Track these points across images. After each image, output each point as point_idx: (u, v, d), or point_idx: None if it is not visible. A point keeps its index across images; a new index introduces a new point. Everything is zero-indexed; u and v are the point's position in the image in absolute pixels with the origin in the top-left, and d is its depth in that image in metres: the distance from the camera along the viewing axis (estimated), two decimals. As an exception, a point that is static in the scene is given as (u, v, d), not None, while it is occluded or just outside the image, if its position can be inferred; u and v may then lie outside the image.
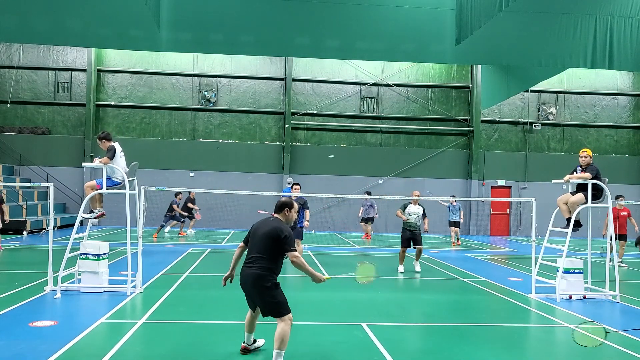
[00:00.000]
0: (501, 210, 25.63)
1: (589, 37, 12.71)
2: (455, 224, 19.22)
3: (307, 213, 12.08)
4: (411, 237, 11.92)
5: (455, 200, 18.38)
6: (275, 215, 5.46)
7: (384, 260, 14.55)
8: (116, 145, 8.76)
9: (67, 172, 23.03)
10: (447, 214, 19.59)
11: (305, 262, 5.23)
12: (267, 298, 5.14)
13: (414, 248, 12.05)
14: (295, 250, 5.15)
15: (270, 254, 5.16)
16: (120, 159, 8.78)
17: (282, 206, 5.47)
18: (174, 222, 19.61)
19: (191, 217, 19.78)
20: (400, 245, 12.14)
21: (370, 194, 20.29)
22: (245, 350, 5.72)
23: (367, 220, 20.92)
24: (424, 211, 12.11)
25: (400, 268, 11.97)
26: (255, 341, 5.80)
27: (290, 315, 5.17)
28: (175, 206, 19.06)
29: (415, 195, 12.07)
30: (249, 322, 5.63)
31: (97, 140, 9.00)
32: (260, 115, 24.39)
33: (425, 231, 12.65)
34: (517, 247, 19.52)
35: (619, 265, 13.74)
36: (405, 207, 11.99)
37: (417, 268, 12.15)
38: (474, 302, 9.17)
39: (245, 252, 5.45)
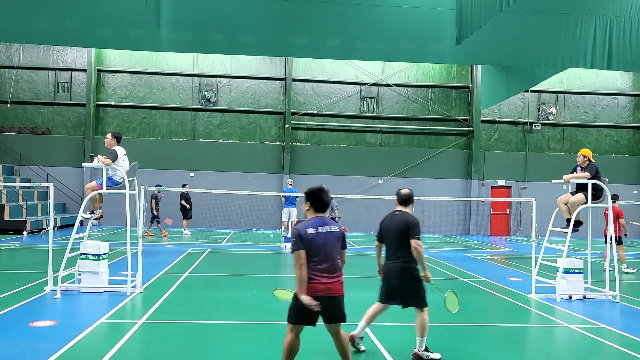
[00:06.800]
0: (501, 210, 25.62)
1: (588, 37, 12.70)
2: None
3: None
4: None
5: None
6: (402, 208, 5.75)
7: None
8: (118, 149, 8.82)
9: (67, 172, 23.01)
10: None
11: (424, 255, 5.59)
12: (414, 289, 5.63)
13: None
14: (420, 239, 5.54)
15: (407, 246, 5.54)
16: (123, 162, 8.85)
17: (409, 199, 5.76)
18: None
19: (185, 215, 19.89)
20: None
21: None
22: (352, 340, 5.62)
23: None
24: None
25: None
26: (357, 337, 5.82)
27: (427, 307, 5.65)
28: (154, 201, 18.83)
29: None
30: (373, 315, 5.77)
31: (109, 135, 8.92)
32: (260, 115, 24.38)
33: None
34: (517, 247, 19.51)
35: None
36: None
37: None
38: (474, 302, 9.16)
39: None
